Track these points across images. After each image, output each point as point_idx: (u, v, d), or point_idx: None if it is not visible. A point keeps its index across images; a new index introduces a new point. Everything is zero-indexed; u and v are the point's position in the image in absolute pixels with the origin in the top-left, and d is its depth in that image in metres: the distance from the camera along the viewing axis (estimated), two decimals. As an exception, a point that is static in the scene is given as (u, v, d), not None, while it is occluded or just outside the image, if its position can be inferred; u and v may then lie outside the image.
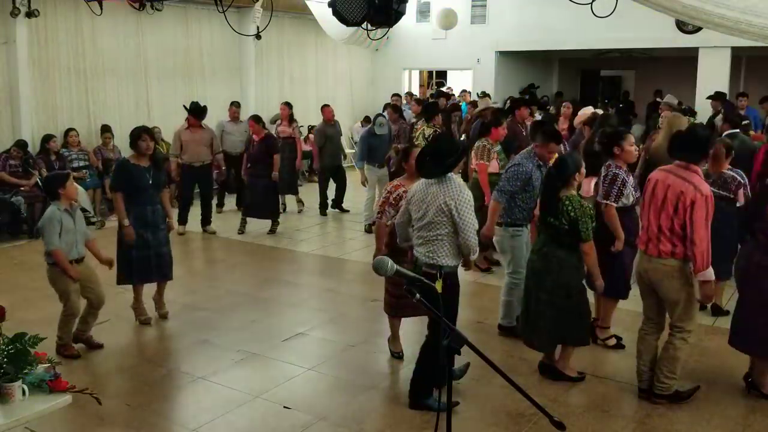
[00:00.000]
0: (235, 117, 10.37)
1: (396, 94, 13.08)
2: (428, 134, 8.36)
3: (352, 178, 10.82)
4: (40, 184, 9.08)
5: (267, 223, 9.25)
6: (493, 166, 7.04)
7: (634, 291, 4.96)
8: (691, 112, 11.45)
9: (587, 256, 4.55)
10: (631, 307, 5.56)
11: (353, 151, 13.26)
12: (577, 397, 4.63)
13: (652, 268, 4.34)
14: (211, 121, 10.46)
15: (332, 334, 5.88)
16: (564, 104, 11.14)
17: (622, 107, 12.35)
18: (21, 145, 9.15)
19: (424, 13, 15.04)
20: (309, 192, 11.01)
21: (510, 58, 14.94)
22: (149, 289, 6.04)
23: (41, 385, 3.16)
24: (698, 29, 11.10)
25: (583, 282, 4.73)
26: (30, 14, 9.60)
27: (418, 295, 2.47)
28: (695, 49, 12.49)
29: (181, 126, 9.12)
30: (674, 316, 4.35)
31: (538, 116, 9.94)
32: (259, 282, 7.36)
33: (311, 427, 4.24)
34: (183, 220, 9.10)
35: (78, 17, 10.40)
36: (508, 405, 4.46)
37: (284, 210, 10.34)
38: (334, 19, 5.31)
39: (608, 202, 5.02)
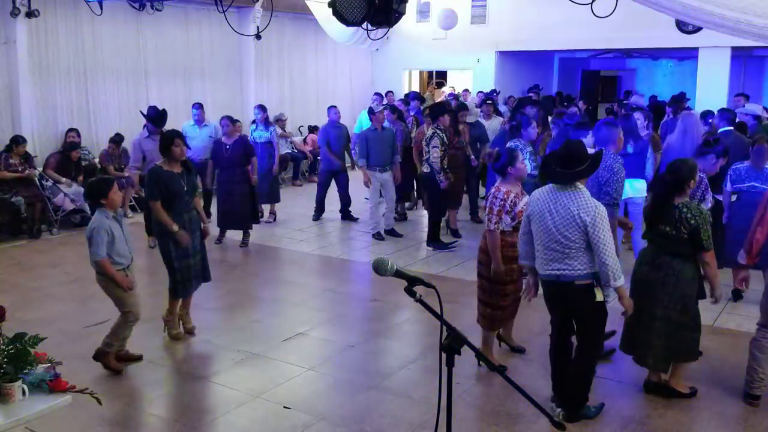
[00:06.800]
0: (198, 120, 9.62)
1: (377, 93, 12.89)
2: (428, 135, 8.10)
3: (354, 180, 10.75)
4: (39, 183, 9.10)
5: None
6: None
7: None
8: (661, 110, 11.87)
9: (709, 266, 4.24)
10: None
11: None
12: (577, 397, 4.62)
13: None
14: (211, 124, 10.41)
15: (332, 334, 5.88)
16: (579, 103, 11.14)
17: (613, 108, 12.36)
18: (21, 141, 9.09)
19: (424, 13, 15.04)
20: (308, 195, 10.82)
21: (510, 58, 14.95)
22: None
23: (41, 385, 3.15)
24: (698, 29, 11.12)
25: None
26: (30, 14, 9.59)
27: (419, 295, 2.47)
28: (695, 49, 12.51)
29: (140, 134, 8.42)
30: None
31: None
32: (259, 282, 7.36)
33: (311, 427, 4.24)
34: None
35: (78, 17, 10.40)
36: (508, 405, 4.46)
37: (262, 215, 9.76)
38: (334, 19, 5.31)
39: None
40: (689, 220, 4.17)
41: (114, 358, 5.00)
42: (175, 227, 5.36)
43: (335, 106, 10.10)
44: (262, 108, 9.89)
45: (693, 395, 4.54)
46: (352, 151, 11.08)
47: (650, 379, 4.64)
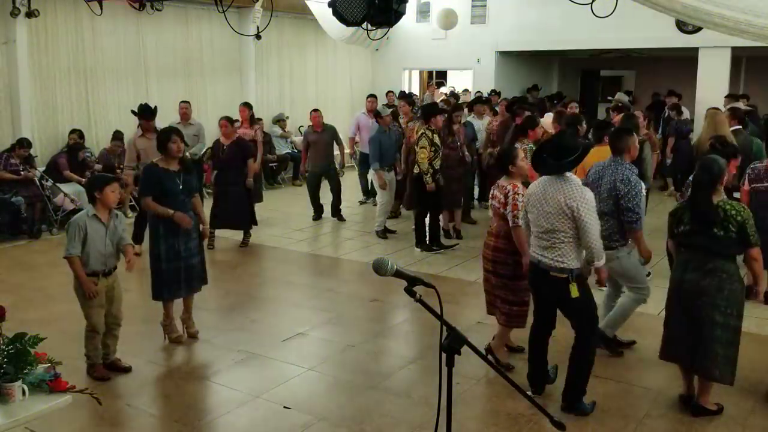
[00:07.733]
0: (185, 117, 9.36)
1: (372, 95, 12.84)
2: (417, 136, 7.96)
3: (352, 180, 10.74)
4: (39, 183, 9.10)
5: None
6: None
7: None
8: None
9: (756, 262, 4.12)
10: (642, 309, 5.52)
11: (348, 151, 13.07)
12: (577, 397, 4.61)
13: None
14: (211, 124, 10.41)
15: (332, 334, 5.87)
16: (571, 105, 11.13)
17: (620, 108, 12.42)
18: (25, 144, 9.10)
19: (424, 13, 15.04)
20: (307, 195, 10.75)
21: (510, 58, 14.95)
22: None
23: (41, 385, 3.15)
24: (698, 29, 11.14)
25: None
26: (30, 14, 9.58)
27: (419, 295, 2.47)
28: (695, 49, 12.51)
29: (134, 133, 8.25)
30: None
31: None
32: (259, 282, 7.36)
33: (311, 427, 4.24)
34: (140, 239, 7.77)
35: (78, 17, 10.40)
36: (508, 405, 4.46)
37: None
38: (334, 19, 5.31)
39: None
40: (735, 216, 4.04)
41: (103, 366, 4.93)
42: (171, 211, 5.25)
43: (317, 110, 9.96)
44: (247, 105, 9.95)
45: (720, 412, 4.35)
46: (352, 154, 11.11)
47: (689, 393, 4.44)
